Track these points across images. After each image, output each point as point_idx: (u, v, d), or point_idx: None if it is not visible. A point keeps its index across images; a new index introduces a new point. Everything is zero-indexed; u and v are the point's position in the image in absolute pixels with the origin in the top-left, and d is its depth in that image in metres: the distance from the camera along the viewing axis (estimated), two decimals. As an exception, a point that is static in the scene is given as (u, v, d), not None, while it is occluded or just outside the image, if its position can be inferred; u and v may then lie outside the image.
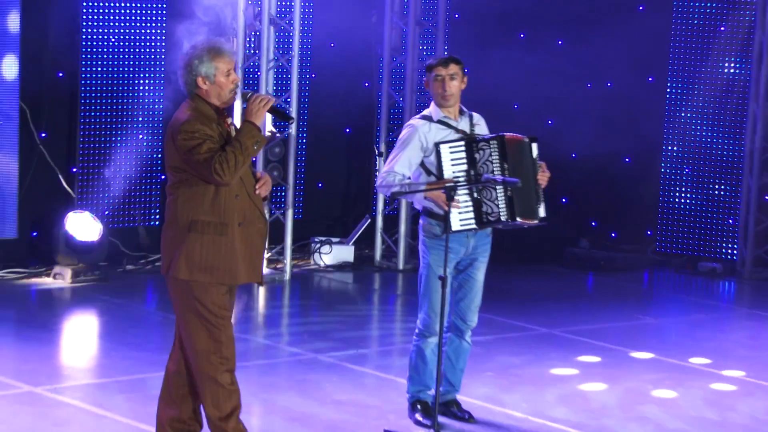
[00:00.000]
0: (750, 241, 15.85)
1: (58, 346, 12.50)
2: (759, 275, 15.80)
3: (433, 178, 10.06)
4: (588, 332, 13.49)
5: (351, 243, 16.10)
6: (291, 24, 14.98)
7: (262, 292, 14.80)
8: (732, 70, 16.13)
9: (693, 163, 16.43)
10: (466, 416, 10.36)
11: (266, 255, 15.11)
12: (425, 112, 10.30)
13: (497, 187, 10.08)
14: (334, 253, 15.94)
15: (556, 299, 15.16)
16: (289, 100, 14.96)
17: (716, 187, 16.32)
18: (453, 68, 10.19)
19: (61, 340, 12.78)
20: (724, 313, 14.83)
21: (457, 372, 10.42)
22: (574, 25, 16.64)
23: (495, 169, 10.09)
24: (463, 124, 10.25)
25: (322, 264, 15.85)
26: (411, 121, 10.41)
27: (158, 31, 15.34)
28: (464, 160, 10.03)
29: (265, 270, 14.99)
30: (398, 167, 10.01)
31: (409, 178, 10.14)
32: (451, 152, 9.99)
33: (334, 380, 11.64)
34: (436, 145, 9.98)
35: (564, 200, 17.24)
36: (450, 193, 9.69)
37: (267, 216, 9.26)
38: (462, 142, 10.05)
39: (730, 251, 16.16)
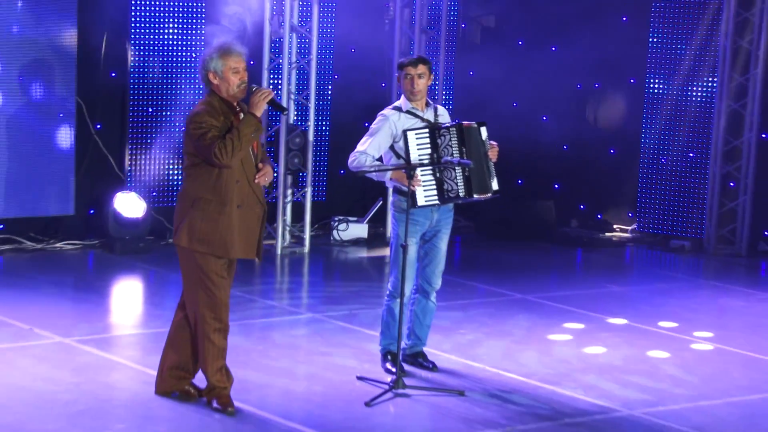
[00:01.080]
0: (714, 222, 15.79)
1: (97, 305, 12.43)
2: (722, 251, 15.73)
3: (402, 161, 10.04)
4: (559, 298, 13.38)
5: (365, 221, 16.05)
6: (310, 31, 14.95)
7: (286, 262, 14.76)
8: (701, 74, 16.02)
9: (667, 154, 16.33)
10: (430, 366, 10.40)
11: (285, 231, 15.13)
12: (396, 104, 10.33)
13: (456, 167, 10.10)
14: (351, 230, 15.85)
15: (538, 271, 15.04)
16: (308, 96, 14.90)
17: (686, 174, 16.19)
18: (421, 68, 10.19)
19: (101, 300, 12.74)
20: (690, 284, 14.61)
21: (424, 328, 10.48)
22: (566, 34, 16.54)
23: (454, 152, 10.11)
24: (429, 114, 10.25)
25: (339, 239, 15.74)
26: (383, 111, 10.39)
27: (197, 36, 15.27)
28: (428, 145, 10.05)
29: (285, 244, 15.04)
30: (369, 149, 10.09)
31: (380, 159, 10.16)
32: (417, 138, 10.03)
33: (324, 335, 11.71)
34: (404, 132, 10.00)
35: (557, 186, 17.20)
36: (409, 173, 9.80)
37: (265, 203, 9.19)
38: (426, 130, 10.07)
39: (697, 230, 16.08)
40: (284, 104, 14.69)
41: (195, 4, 15.19)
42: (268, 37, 14.94)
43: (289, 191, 15.06)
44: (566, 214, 17.08)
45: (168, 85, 15.28)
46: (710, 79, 15.88)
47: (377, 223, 16.28)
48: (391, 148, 10.13)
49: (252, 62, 14.86)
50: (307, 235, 15.02)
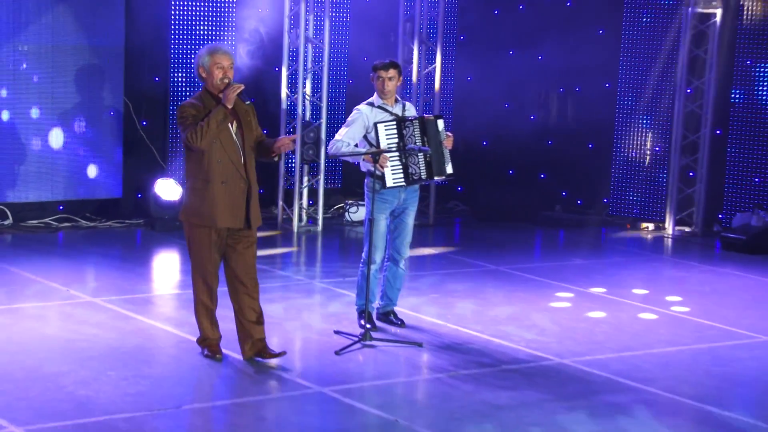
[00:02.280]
0: (673, 207, 15.77)
1: (130, 273, 12.39)
2: (680, 233, 15.70)
3: (374, 149, 10.11)
4: (526, 269, 13.31)
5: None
6: (322, 42, 14.91)
7: (303, 239, 14.70)
8: (665, 79, 15.98)
9: (636, 148, 16.30)
10: (399, 322, 10.49)
11: (302, 213, 15.08)
12: (370, 100, 10.36)
13: (419, 154, 10.18)
14: (360, 213, 15.50)
15: (517, 247, 14.86)
16: (321, 97, 14.82)
17: (652, 166, 16.20)
18: (391, 72, 10.29)
19: (136, 269, 12.64)
20: (645, 258, 14.52)
21: (394, 290, 10.55)
22: (550, 44, 16.51)
23: (417, 141, 10.18)
24: (397, 109, 10.33)
25: (350, 220, 15.72)
26: (358, 106, 10.45)
27: (228, 46, 14.89)
28: (395, 135, 10.11)
29: (302, 224, 15.02)
30: (345, 138, 10.21)
31: (356, 145, 10.23)
32: (386, 129, 10.13)
33: (317, 297, 11.80)
34: (375, 124, 10.11)
35: (542, 176, 17.17)
36: (375, 158, 9.96)
37: (249, 178, 9.01)
38: (394, 122, 10.13)
39: (660, 214, 16.04)
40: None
41: (226, 19, 15.10)
42: (287, 47, 14.88)
43: (306, 178, 15.13)
44: (550, 200, 16.97)
45: (199, 87, 15.14)
46: (672, 83, 15.80)
47: None
48: (365, 137, 10.20)
49: (276, 68, 15.11)
50: (320, 216, 14.96)
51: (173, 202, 14.30)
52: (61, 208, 14.78)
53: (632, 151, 16.35)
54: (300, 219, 15.03)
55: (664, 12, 15.90)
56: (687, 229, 15.80)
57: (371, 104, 10.35)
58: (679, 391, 9.00)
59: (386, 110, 10.29)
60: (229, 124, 8.82)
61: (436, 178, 10.48)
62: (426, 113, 15.43)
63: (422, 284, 12.67)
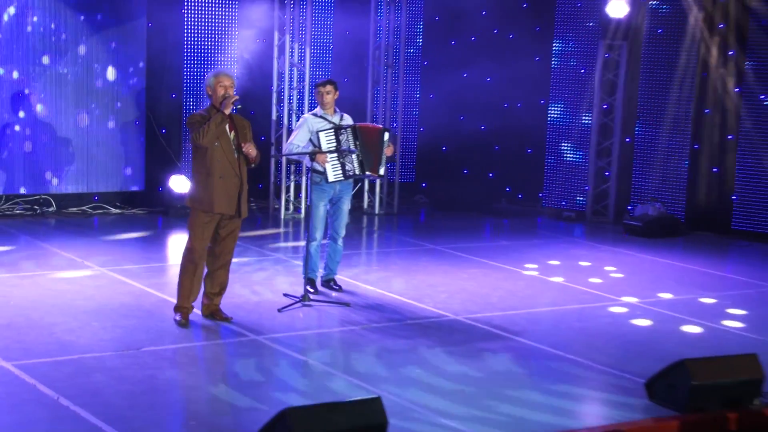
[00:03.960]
0: (591, 199, 15.89)
1: (141, 249, 12.45)
2: (597, 221, 15.74)
3: (316, 149, 10.21)
4: (459, 248, 13.18)
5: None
6: (304, 66, 14.99)
7: (290, 224, 14.54)
8: (585, 97, 15.99)
9: (564, 152, 16.32)
10: (337, 288, 10.64)
11: (289, 203, 14.99)
12: (315, 111, 10.51)
13: (353, 155, 10.35)
14: None
15: (461, 231, 14.58)
16: (303, 111, 14.69)
17: (575, 167, 16.19)
18: (329, 87, 10.45)
19: (147, 246, 12.71)
20: (560, 240, 14.38)
21: (334, 262, 10.69)
22: (496, 68, 16.50)
23: (351, 144, 10.32)
24: (335, 118, 10.48)
25: None
26: (305, 115, 10.71)
27: (232, 68, 14.98)
28: (334, 140, 10.27)
29: (289, 211, 15.01)
30: (295, 141, 10.41)
31: (305, 147, 10.34)
32: (326, 136, 10.31)
33: (280, 270, 11.63)
34: (317, 132, 10.30)
35: (491, 174, 17.17)
36: (312, 157, 10.20)
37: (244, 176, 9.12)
38: (332, 129, 10.31)
39: (581, 205, 16.06)
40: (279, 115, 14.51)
41: (228, 48, 15.06)
42: (276, 70, 14.93)
43: (292, 176, 15.18)
44: (497, 194, 17.03)
45: (205, 102, 15.03)
46: (591, 100, 15.85)
47: (357, 199, 15.42)
48: (310, 140, 10.41)
49: (272, 88, 15.25)
50: (303, 206, 14.87)
51: (183, 193, 14.28)
52: (95, 198, 14.81)
53: (560, 155, 16.36)
54: (287, 208, 15.08)
55: (584, 43, 15.95)
56: (601, 218, 15.84)
57: (315, 113, 10.58)
58: (540, 341, 9.27)
59: (326, 119, 10.49)
60: (229, 133, 9.05)
61: (369, 173, 10.59)
62: (393, 124, 15.78)
63: (370, 260, 12.97)
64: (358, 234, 14.54)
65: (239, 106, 9.26)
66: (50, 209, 14.48)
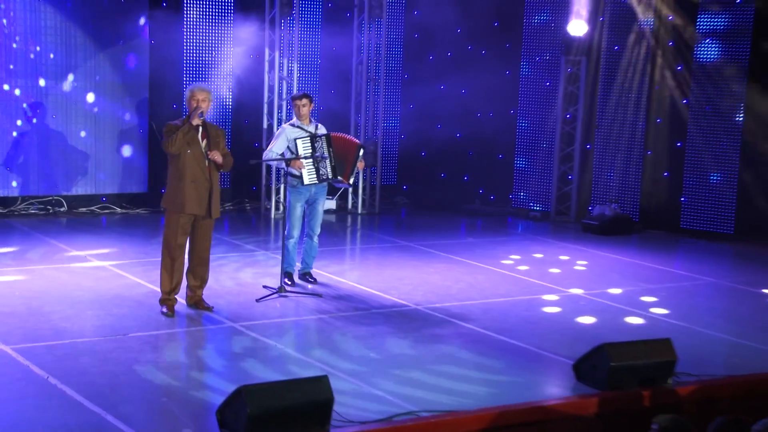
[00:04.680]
0: (554, 201, 16.00)
1: (140, 246, 12.31)
2: (560, 220, 15.84)
3: (293, 156, 10.40)
4: (430, 245, 13.20)
5: (334, 198, 15.63)
6: (292, 79, 15.12)
7: (279, 223, 14.41)
8: (551, 108, 16.11)
9: (531, 157, 16.42)
10: (313, 281, 10.78)
11: (280, 204, 14.95)
12: (292, 121, 10.63)
13: (327, 161, 10.52)
14: (327, 203, 14.13)
15: (434, 230, 14.55)
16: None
17: (541, 171, 16.28)
18: (304, 101, 10.59)
19: (144, 242, 12.53)
20: (524, 238, 14.49)
21: (310, 258, 10.84)
22: (470, 81, 16.55)
23: (325, 152, 10.48)
24: (311, 128, 10.62)
25: None
26: (283, 125, 10.80)
27: (227, 82, 15.32)
28: (309, 147, 10.45)
29: (280, 211, 14.98)
30: (274, 148, 10.57)
31: (282, 154, 10.51)
32: (302, 143, 10.49)
33: (261, 264, 11.69)
34: (294, 140, 10.48)
35: (465, 178, 17.27)
36: (287, 162, 10.41)
37: (212, 180, 9.19)
38: (308, 138, 10.48)
39: (546, 206, 16.13)
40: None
41: (223, 64, 15.26)
42: (267, 83, 15.01)
43: (282, 179, 15.20)
44: (471, 196, 17.10)
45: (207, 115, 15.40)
46: (555, 110, 15.96)
47: (342, 200, 15.95)
48: (288, 148, 10.61)
49: (263, 99, 15.40)
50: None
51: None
52: (103, 199, 14.91)
53: (528, 160, 16.47)
54: (277, 208, 15.04)
55: (549, 58, 16.09)
56: (564, 217, 15.96)
57: (292, 124, 10.77)
58: (488, 327, 9.45)
59: (302, 128, 10.68)
60: (201, 141, 9.22)
61: (340, 178, 10.75)
62: (377, 132, 15.93)
63: (346, 255, 13.11)
64: (342, 232, 14.60)
65: (203, 117, 9.34)
66: (62, 209, 14.59)
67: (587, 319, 10.06)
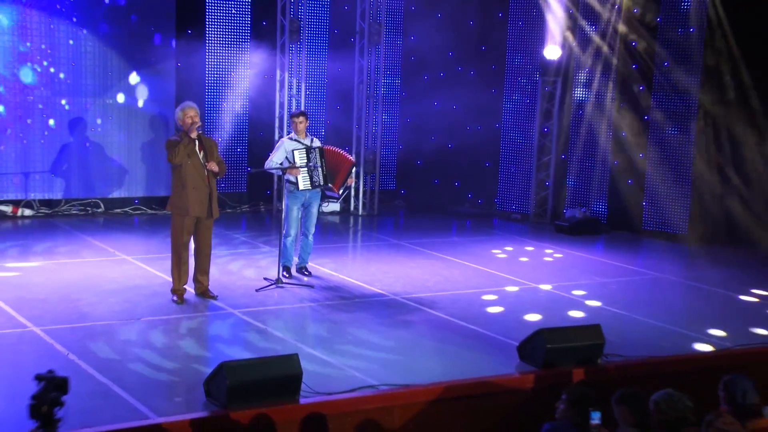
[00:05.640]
0: (533, 204, 16.20)
1: (163, 242, 12.17)
2: (537, 221, 16.04)
3: (290, 165, 10.71)
4: (418, 243, 13.23)
5: (338, 202, 15.67)
6: (300, 96, 15.43)
7: None
8: (530, 122, 16.34)
9: (513, 166, 16.61)
10: (308, 274, 11.01)
11: None
12: (291, 135, 10.88)
13: (319, 169, 10.84)
14: (330, 206, 15.74)
15: (425, 230, 14.54)
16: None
17: (521, 178, 16.47)
18: (301, 118, 10.88)
19: (168, 239, 12.17)
20: (502, 238, 14.41)
21: (306, 254, 11.06)
22: (461, 98, 16.68)
23: (317, 162, 10.82)
24: (307, 141, 10.89)
25: (323, 211, 15.58)
26: (283, 138, 11.08)
27: (243, 99, 15.59)
28: (305, 158, 10.78)
29: None
30: (274, 159, 10.87)
31: (281, 163, 10.82)
32: (299, 154, 10.82)
33: (264, 258, 11.82)
34: (292, 151, 10.82)
35: (456, 183, 17.38)
36: (283, 171, 10.73)
37: (211, 186, 9.44)
38: (304, 149, 10.82)
39: (526, 208, 16.32)
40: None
41: (241, 86, 15.38)
42: (278, 100, 15.25)
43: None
44: (461, 199, 17.24)
45: (223, 125, 15.52)
46: (534, 125, 16.21)
47: (345, 203, 16.04)
48: (287, 158, 10.94)
49: (275, 115, 15.76)
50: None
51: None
52: (136, 201, 15.10)
53: (511, 168, 16.67)
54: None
55: (528, 79, 16.34)
56: (541, 219, 16.18)
57: (290, 137, 11.11)
58: (454, 315, 9.67)
59: (299, 141, 11.02)
60: (199, 153, 9.49)
61: (329, 185, 11.04)
62: (375, 142, 16.16)
63: (342, 252, 13.23)
64: (342, 231, 14.75)
65: (200, 132, 9.67)
66: (99, 210, 14.82)
67: (542, 307, 10.25)
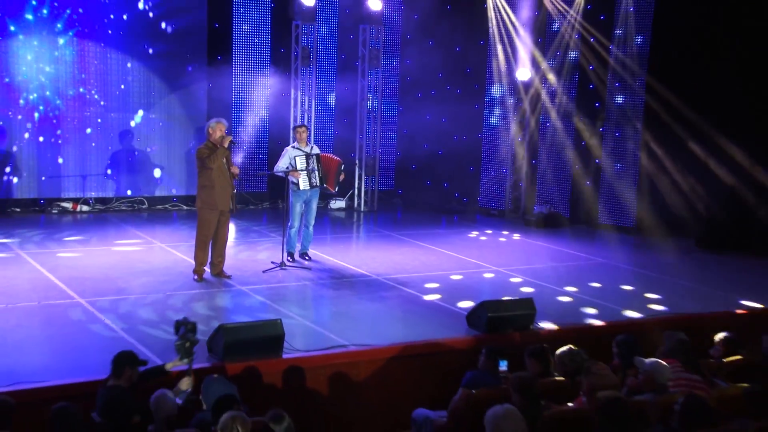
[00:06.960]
0: (510, 201, 16.49)
1: (190, 232, 11.12)
2: (512, 217, 16.25)
3: (293, 169, 11.01)
4: (408, 234, 13.32)
5: (344, 200, 16.03)
6: (311, 110, 15.69)
7: None
8: (506, 131, 16.53)
9: (494, 170, 16.81)
10: (308, 258, 11.21)
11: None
12: (294, 144, 11.05)
13: (316, 172, 11.17)
14: (337, 203, 15.91)
15: (415, 224, 14.54)
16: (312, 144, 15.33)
17: (500, 180, 16.65)
18: (302, 129, 11.10)
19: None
20: (480, 231, 14.31)
21: (307, 242, 11.25)
22: (449, 112, 16.92)
23: (315, 166, 11.15)
24: (307, 149, 11.10)
25: (331, 208, 15.80)
26: (287, 147, 11.15)
27: (263, 115, 15.78)
28: (305, 163, 11.09)
29: None
30: (280, 164, 11.16)
31: (287, 168, 10.96)
32: (300, 160, 11.13)
33: (273, 245, 11.82)
34: (294, 157, 11.14)
35: (446, 185, 17.55)
36: (286, 173, 11.11)
37: (235, 188, 9.87)
38: (304, 156, 11.10)
39: (502, 204, 16.50)
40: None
41: (260, 101, 15.62)
42: (292, 115, 15.38)
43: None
44: (449, 198, 17.42)
45: (246, 137, 15.53)
46: (510, 135, 16.35)
47: (350, 201, 16.08)
48: (290, 163, 11.27)
49: (290, 127, 16.13)
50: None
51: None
52: (174, 199, 15.26)
53: (491, 172, 16.92)
54: None
55: (505, 96, 16.53)
56: (515, 214, 16.42)
57: (294, 146, 11.36)
58: (422, 292, 9.92)
59: (300, 149, 11.26)
60: (223, 159, 9.90)
61: (326, 185, 11.34)
62: (375, 150, 16.53)
63: (341, 242, 13.46)
64: (345, 225, 14.70)
65: (235, 142, 10.29)
66: (144, 206, 14.99)
67: (489, 285, 10.40)
